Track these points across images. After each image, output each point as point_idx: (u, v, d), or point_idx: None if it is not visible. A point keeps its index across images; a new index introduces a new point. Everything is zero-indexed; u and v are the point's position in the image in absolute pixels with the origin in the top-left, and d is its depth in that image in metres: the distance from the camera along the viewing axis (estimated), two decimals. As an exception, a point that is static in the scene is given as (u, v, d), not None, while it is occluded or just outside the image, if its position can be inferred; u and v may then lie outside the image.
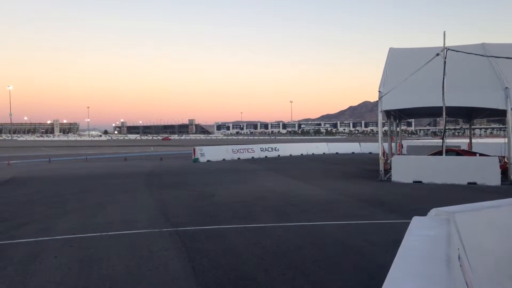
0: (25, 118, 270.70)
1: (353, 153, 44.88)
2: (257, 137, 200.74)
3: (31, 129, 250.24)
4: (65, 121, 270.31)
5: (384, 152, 21.56)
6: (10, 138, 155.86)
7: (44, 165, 31.88)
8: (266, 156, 38.64)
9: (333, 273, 6.36)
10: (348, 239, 8.43)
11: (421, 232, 3.26)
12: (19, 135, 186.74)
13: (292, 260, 7.01)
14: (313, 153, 43.44)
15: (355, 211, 11.65)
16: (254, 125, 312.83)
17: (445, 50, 18.48)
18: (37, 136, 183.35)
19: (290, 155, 40.90)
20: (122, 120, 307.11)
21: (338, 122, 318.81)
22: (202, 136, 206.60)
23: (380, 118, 20.45)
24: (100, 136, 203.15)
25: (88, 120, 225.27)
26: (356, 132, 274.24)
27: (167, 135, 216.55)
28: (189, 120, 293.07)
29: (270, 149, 40.57)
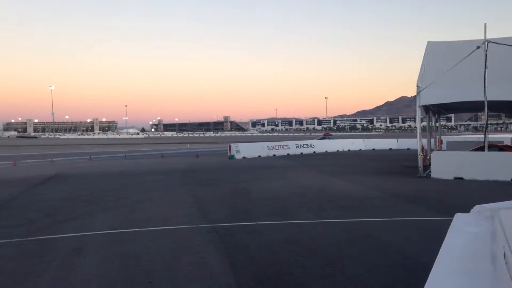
0: (67, 117, 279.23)
1: (390, 149, 44.13)
2: (292, 134, 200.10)
3: (72, 127, 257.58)
4: (104, 120, 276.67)
5: (423, 148, 21.10)
6: (52, 136, 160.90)
7: (85, 162, 32.78)
8: (301, 153, 38.47)
9: (371, 270, 6.29)
10: (387, 236, 8.31)
11: (465, 229, 3.18)
12: (61, 134, 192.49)
13: (329, 256, 6.96)
14: (349, 150, 42.96)
15: (394, 208, 11.46)
16: (289, 121, 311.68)
17: (486, 42, 17.90)
18: (77, 134, 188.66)
19: (326, 151, 40.56)
20: (158, 118, 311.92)
21: (374, 118, 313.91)
22: (237, 133, 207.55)
23: (419, 113, 20.02)
24: (138, 134, 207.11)
25: (126, 118, 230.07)
26: (393, 128, 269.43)
27: (203, 132, 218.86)
28: (224, 117, 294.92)
29: (305, 146, 40.36)
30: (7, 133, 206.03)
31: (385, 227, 9.09)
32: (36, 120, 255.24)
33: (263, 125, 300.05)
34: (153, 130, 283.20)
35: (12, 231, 9.30)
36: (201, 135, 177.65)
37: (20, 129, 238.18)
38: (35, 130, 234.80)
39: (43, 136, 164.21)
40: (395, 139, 47.88)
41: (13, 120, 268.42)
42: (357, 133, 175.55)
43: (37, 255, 7.32)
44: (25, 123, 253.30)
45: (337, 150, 41.86)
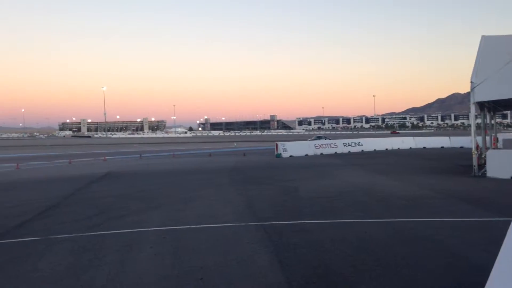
0: (118, 117, 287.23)
1: (442, 147, 42.78)
2: (339, 132, 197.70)
3: (123, 127, 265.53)
4: (153, 119, 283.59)
5: (477, 146, 20.33)
6: (104, 135, 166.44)
7: (135, 160, 33.73)
8: (349, 151, 37.98)
9: (424, 271, 6.13)
10: (440, 237, 8.06)
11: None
12: (112, 133, 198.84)
13: (380, 256, 6.84)
14: (398, 148, 42.01)
15: (447, 208, 11.11)
16: (336, 120, 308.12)
17: (547, 35, 16.99)
18: (128, 134, 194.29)
19: (374, 150, 39.84)
20: (205, 117, 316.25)
21: (425, 116, 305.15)
22: (283, 132, 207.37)
23: (473, 110, 19.28)
24: (186, 132, 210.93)
25: (174, 117, 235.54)
26: (445, 125, 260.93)
27: (249, 131, 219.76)
28: (270, 116, 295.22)
29: (353, 144, 39.79)
30: (62, 133, 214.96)
31: (438, 228, 8.83)
32: (89, 120, 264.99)
33: (309, 123, 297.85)
34: (200, 129, 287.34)
35: (70, 226, 9.70)
36: (248, 133, 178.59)
37: (74, 129, 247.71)
38: (88, 130, 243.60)
39: (96, 136, 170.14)
40: (447, 137, 46.35)
41: (68, 120, 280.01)
42: (407, 131, 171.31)
43: (93, 250, 7.61)
44: (79, 123, 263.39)
45: (386, 149, 41.03)
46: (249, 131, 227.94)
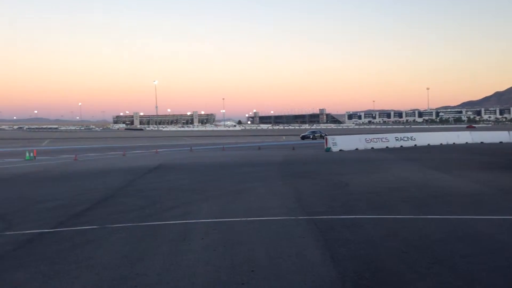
0: (169, 110, 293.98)
1: (501, 142, 40.89)
2: (390, 126, 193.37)
3: (174, 120, 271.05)
4: (202, 112, 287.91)
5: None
6: (156, 128, 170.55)
7: (186, 153, 34.33)
8: (401, 146, 36.99)
9: (485, 269, 5.87)
10: (501, 235, 7.71)
11: None
12: (163, 126, 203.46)
13: (436, 254, 6.62)
14: (454, 143, 40.50)
15: (507, 205, 10.61)
16: (387, 113, 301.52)
17: None
18: (178, 127, 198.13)
19: (428, 144, 38.57)
20: (254, 111, 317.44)
21: (482, 109, 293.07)
22: (333, 126, 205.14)
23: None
24: (235, 126, 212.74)
25: (224, 111, 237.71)
26: (504, 119, 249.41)
27: (298, 124, 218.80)
28: (319, 109, 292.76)
29: (405, 138, 38.69)
30: (116, 126, 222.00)
31: (498, 225, 8.45)
32: (142, 114, 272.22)
33: (359, 117, 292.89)
34: (249, 122, 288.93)
35: (125, 216, 10.00)
36: (297, 127, 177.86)
37: (128, 122, 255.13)
38: (141, 123, 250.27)
39: (148, 128, 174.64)
40: (506, 132, 44.25)
41: (122, 114, 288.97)
42: (463, 126, 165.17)
43: (146, 240, 7.80)
44: (132, 116, 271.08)
45: (441, 143, 39.67)
46: (297, 124, 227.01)
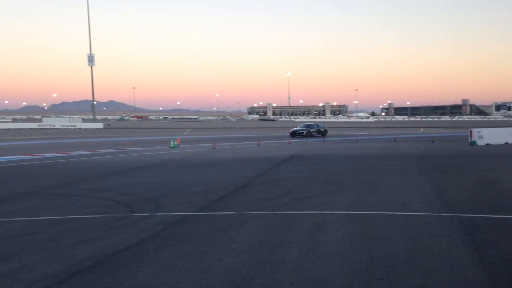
0: (301, 101, 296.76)
1: None
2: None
3: (306, 111, 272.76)
4: (335, 104, 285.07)
5: None
6: (288, 119, 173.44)
7: (319, 144, 34.35)
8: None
9: None
10: None
11: None
12: (295, 117, 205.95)
13: None
14: None
15: None
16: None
17: None
18: (310, 118, 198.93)
19: None
20: (389, 102, 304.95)
21: None
22: (477, 118, 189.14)
23: None
24: (368, 117, 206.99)
25: (357, 102, 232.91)
26: None
27: (437, 116, 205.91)
28: (462, 100, 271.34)
29: None
30: (250, 116, 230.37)
31: None
32: (274, 105, 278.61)
33: (509, 108, 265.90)
34: (383, 114, 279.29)
35: (262, 204, 10.31)
36: (436, 119, 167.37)
37: (261, 113, 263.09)
38: (273, 114, 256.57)
39: (280, 119, 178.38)
40: None
41: (255, 105, 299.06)
42: None
43: (283, 228, 7.94)
44: (265, 107, 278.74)
45: None
46: (437, 116, 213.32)
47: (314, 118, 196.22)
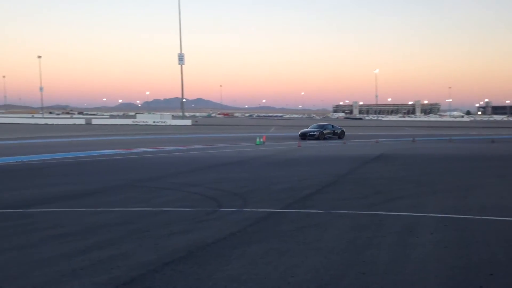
0: (389, 99, 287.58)
1: None
2: None
3: (394, 109, 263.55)
4: (425, 102, 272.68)
5: None
6: (375, 118, 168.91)
7: (407, 144, 33.06)
8: None
9: None
10: None
11: None
12: (382, 115, 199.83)
13: None
14: None
15: None
16: None
17: None
18: (399, 117, 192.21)
19: None
20: (486, 100, 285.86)
21: None
22: None
23: None
24: (462, 117, 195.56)
25: (450, 100, 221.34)
26: None
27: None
28: None
29: None
30: (336, 115, 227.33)
31: None
32: (361, 103, 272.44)
33: None
34: (479, 113, 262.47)
35: (349, 203, 10.10)
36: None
37: (347, 111, 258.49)
38: (360, 112, 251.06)
39: (367, 118, 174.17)
40: None
41: (341, 103, 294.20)
42: None
43: (371, 229, 7.70)
44: (351, 106, 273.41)
45: None
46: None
47: (403, 117, 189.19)
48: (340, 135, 40.35)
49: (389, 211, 9.19)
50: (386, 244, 6.72)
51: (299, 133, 40.10)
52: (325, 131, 39.52)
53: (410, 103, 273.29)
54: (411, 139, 38.07)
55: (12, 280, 5.34)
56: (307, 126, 43.36)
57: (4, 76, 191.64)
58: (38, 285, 5.15)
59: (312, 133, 39.05)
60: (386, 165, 18.37)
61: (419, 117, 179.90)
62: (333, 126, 41.21)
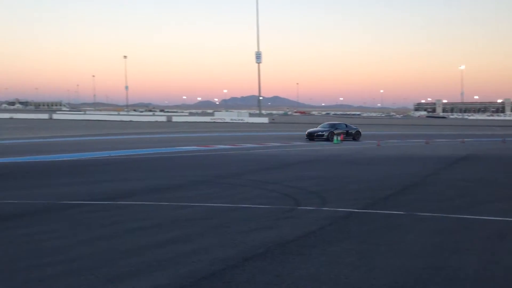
0: (476, 97, 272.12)
1: None
2: None
3: (481, 108, 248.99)
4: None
5: None
6: (460, 116, 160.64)
7: (496, 144, 31.14)
8: None
9: None
10: None
11: None
12: (469, 114, 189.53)
13: None
14: None
15: None
16: None
17: None
18: (487, 115, 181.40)
19: None
20: None
21: None
22: None
23: None
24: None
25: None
26: None
27: None
28: None
29: None
30: (417, 113, 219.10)
31: None
32: (445, 101, 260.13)
33: None
34: None
35: (433, 205, 9.66)
36: None
37: (429, 109, 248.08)
38: (443, 110, 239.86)
39: (451, 116, 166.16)
40: None
41: (423, 101, 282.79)
42: None
43: (458, 233, 7.34)
44: (434, 104, 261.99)
45: None
46: None
47: (491, 115, 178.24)
48: (355, 136, 35.18)
49: (476, 215, 8.69)
50: (475, 250, 6.37)
51: (306, 133, 35.33)
52: (335, 131, 34.00)
53: (499, 101, 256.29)
54: (501, 139, 35.77)
55: (97, 269, 5.59)
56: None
57: (93, 76, 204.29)
58: (122, 274, 5.38)
59: (320, 133, 34.23)
60: (473, 166, 17.45)
61: (509, 116, 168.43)
62: (346, 126, 36.18)
